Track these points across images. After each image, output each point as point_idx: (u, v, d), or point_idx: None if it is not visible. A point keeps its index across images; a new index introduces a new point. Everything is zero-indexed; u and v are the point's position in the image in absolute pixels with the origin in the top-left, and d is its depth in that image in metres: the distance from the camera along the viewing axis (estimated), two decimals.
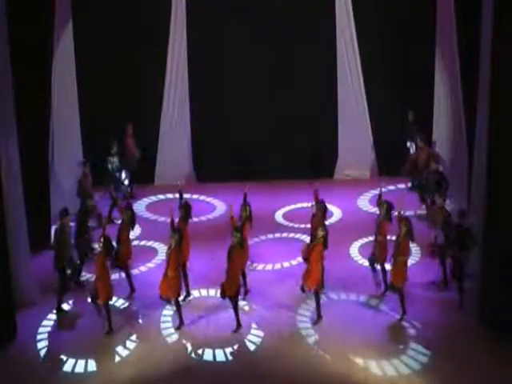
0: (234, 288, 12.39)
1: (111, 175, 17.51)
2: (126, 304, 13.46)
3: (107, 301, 12.54)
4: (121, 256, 13.64)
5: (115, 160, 17.59)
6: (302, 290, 12.75)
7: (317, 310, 12.64)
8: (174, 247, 12.56)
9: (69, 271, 13.53)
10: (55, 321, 13.03)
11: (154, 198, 18.36)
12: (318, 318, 12.63)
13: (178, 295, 12.68)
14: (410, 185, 17.91)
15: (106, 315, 12.54)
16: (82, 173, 16.41)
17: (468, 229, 12.94)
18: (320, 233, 12.57)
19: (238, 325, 12.51)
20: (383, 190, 14.71)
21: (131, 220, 14.19)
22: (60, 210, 13.75)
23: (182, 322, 12.64)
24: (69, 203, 16.68)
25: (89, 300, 12.89)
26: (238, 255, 12.60)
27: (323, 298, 13.26)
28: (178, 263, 12.59)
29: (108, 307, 12.57)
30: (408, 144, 17.92)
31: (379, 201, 13.74)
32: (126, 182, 18.03)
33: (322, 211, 13.66)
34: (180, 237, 12.65)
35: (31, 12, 14.41)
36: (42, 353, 12.09)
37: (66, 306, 13.38)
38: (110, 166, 17.51)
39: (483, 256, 12.38)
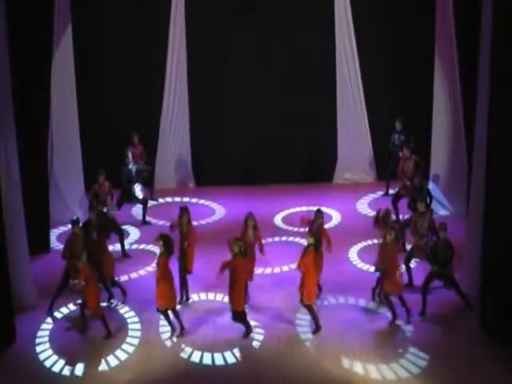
0: (242, 302, 12.35)
1: (124, 188, 17.00)
2: (125, 308, 13.43)
3: (98, 307, 12.52)
4: (105, 266, 13.47)
5: (128, 171, 17.05)
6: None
7: (314, 322, 12.51)
8: (161, 253, 12.39)
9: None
10: (54, 324, 13.01)
11: (153, 202, 18.33)
12: (316, 329, 12.49)
13: (174, 304, 12.52)
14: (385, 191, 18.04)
15: (102, 321, 12.52)
16: (97, 182, 15.96)
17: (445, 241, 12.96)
18: (309, 239, 12.45)
19: (249, 329, 12.46)
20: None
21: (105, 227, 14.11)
22: (71, 219, 13.75)
23: (182, 328, 12.50)
24: (68, 207, 16.87)
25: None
26: (242, 265, 12.42)
27: (323, 302, 13.32)
28: (166, 270, 12.33)
29: (102, 313, 12.55)
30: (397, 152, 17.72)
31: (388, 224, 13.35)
32: (140, 196, 17.41)
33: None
34: (166, 243, 12.35)
35: (31, 15, 14.42)
36: (41, 356, 12.06)
37: (58, 314, 13.34)
38: (122, 178, 16.95)
39: (483, 261, 12.36)
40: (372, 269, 14.17)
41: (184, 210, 13.79)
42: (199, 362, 11.85)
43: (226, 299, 13.50)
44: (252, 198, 18.31)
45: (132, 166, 17.13)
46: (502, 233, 11.97)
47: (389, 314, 12.71)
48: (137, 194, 17.28)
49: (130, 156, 17.23)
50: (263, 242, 15.94)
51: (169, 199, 18.59)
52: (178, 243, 13.33)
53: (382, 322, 12.78)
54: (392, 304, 12.55)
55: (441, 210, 16.95)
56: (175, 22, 18.58)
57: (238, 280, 12.22)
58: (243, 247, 12.38)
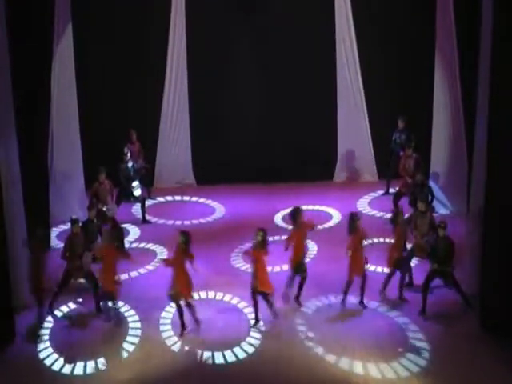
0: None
1: (122, 186, 16.94)
2: (125, 306, 13.43)
3: None
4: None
5: (126, 169, 17.03)
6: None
7: (180, 320, 12.55)
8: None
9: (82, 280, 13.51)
10: (54, 323, 13.01)
11: (153, 201, 18.34)
12: (182, 329, 12.55)
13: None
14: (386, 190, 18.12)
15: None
16: (97, 180, 15.89)
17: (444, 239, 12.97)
18: (180, 238, 12.70)
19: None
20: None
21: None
22: (70, 218, 13.67)
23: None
24: (68, 206, 16.84)
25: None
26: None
27: (323, 301, 13.35)
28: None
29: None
30: (399, 151, 17.69)
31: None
32: (137, 193, 17.23)
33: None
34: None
35: (31, 15, 14.41)
36: (41, 355, 12.05)
37: (58, 312, 13.33)
38: (121, 175, 16.93)
39: (483, 260, 12.35)
40: (372, 268, 14.21)
41: (298, 210, 13.60)
42: (199, 361, 11.84)
43: (227, 298, 13.56)
44: (252, 196, 18.32)
45: (130, 164, 17.10)
46: (502, 232, 11.96)
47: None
48: (135, 192, 17.23)
49: (128, 153, 17.21)
50: None
51: (169, 198, 18.59)
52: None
53: (382, 322, 12.78)
54: (257, 303, 12.63)
55: (441, 209, 16.95)
56: (175, 21, 18.57)
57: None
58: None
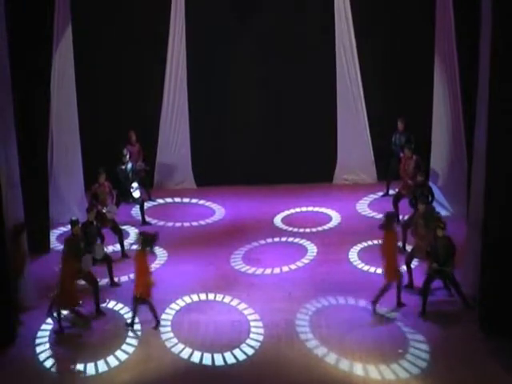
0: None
1: (120, 187, 16.83)
2: (124, 308, 13.41)
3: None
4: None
5: (125, 170, 16.93)
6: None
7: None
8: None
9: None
10: (54, 325, 12.99)
11: (153, 203, 18.33)
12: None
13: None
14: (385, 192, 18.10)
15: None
16: (97, 181, 15.83)
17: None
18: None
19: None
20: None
21: None
22: (70, 220, 13.64)
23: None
24: (68, 208, 16.84)
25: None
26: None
27: (323, 302, 13.34)
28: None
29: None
30: (399, 152, 17.66)
31: None
32: (137, 195, 17.10)
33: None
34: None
35: (31, 15, 14.45)
36: (41, 357, 12.04)
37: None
38: (120, 176, 16.82)
39: (482, 261, 12.35)
40: (372, 269, 14.22)
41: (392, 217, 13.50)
42: (199, 363, 11.82)
43: (226, 299, 13.54)
44: (252, 198, 18.31)
45: (130, 166, 17.03)
46: (502, 233, 11.95)
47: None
48: (134, 194, 17.17)
49: (128, 155, 17.18)
50: (262, 242, 16.07)
51: (169, 200, 18.58)
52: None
53: (381, 323, 12.77)
54: (152, 306, 12.66)
55: (441, 211, 16.92)
56: (175, 21, 18.54)
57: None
58: None
